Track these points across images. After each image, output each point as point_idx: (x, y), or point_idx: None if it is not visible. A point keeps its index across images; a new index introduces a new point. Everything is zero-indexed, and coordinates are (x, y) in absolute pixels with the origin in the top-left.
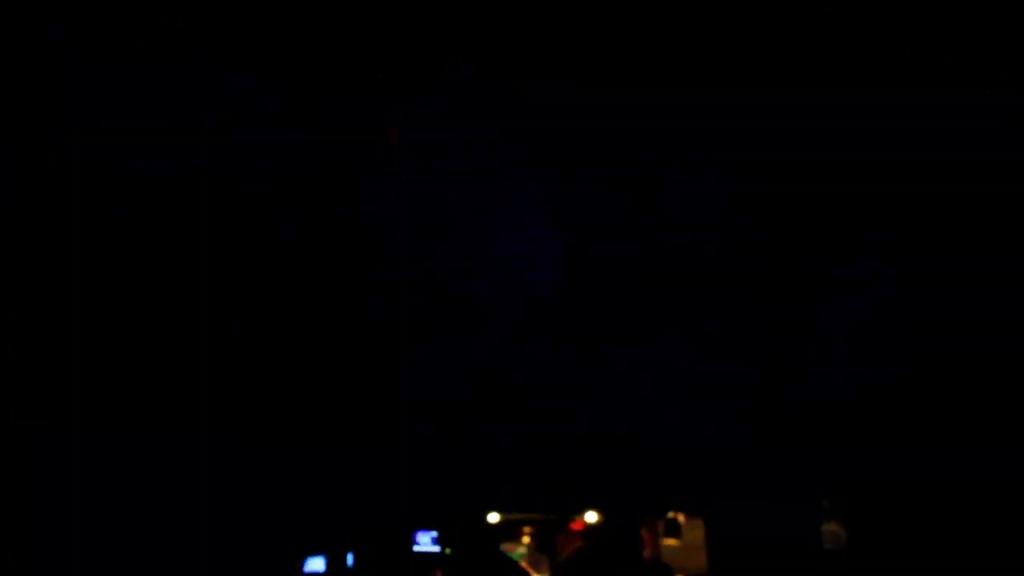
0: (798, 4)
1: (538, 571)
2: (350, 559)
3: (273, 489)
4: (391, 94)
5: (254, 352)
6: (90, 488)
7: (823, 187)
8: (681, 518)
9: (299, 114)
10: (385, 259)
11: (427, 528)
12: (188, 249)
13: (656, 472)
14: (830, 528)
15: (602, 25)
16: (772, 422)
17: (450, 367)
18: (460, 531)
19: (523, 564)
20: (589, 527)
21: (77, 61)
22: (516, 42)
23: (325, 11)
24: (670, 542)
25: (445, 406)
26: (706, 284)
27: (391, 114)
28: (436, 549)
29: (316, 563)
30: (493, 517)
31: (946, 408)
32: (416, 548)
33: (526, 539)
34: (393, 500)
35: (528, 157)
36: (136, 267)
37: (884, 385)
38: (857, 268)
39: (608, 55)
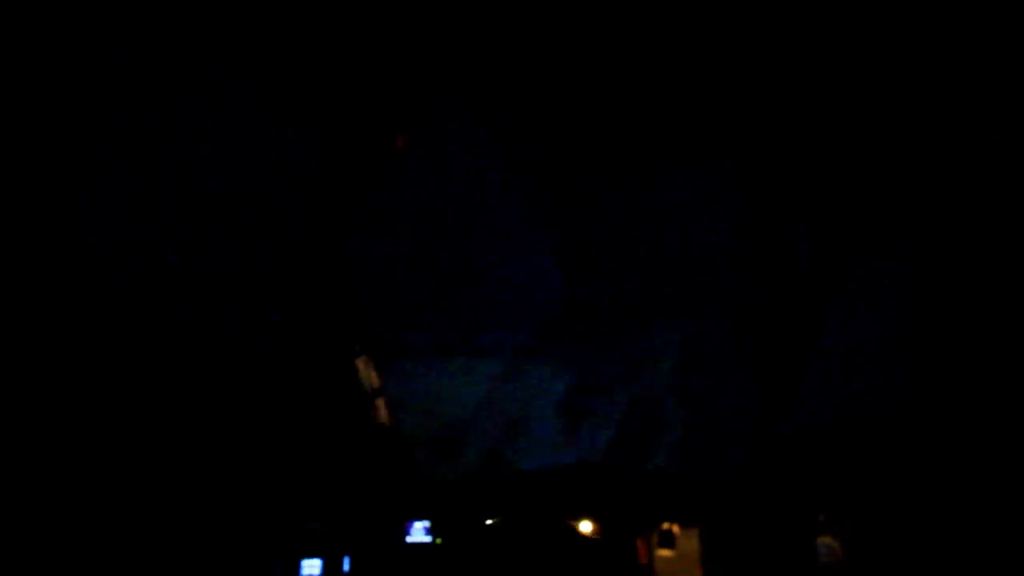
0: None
1: None
2: (346, 564)
3: (268, 489)
4: (395, 110)
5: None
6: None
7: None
8: (676, 529)
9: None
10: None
11: (419, 518)
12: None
13: (652, 483)
14: (825, 541)
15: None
16: (770, 436)
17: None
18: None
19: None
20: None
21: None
22: (515, 55)
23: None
24: (664, 553)
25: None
26: (704, 298)
27: (398, 124)
28: (428, 539)
29: (312, 566)
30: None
31: (944, 424)
32: (409, 539)
33: None
34: (386, 494)
35: (528, 165)
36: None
37: (883, 400)
38: (860, 286)
39: (607, 61)
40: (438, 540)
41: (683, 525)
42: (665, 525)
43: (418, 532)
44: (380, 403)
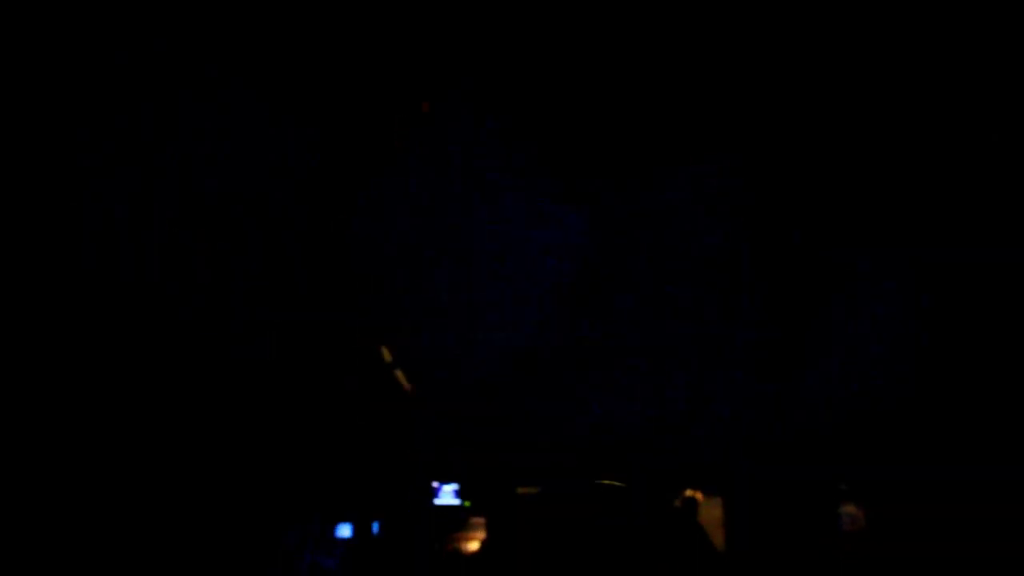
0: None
1: None
2: (375, 527)
3: (300, 458)
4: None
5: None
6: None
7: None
8: (699, 496)
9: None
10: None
11: (448, 481)
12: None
13: (675, 449)
14: (848, 510)
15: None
16: (792, 407)
17: (473, 346)
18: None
19: None
20: None
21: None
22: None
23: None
24: None
25: (465, 384)
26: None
27: (421, 95)
28: (457, 502)
29: (344, 530)
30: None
31: (965, 398)
32: (437, 501)
33: None
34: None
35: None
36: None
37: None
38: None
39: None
40: (467, 503)
41: (707, 493)
42: (688, 492)
43: (447, 495)
44: (399, 373)
